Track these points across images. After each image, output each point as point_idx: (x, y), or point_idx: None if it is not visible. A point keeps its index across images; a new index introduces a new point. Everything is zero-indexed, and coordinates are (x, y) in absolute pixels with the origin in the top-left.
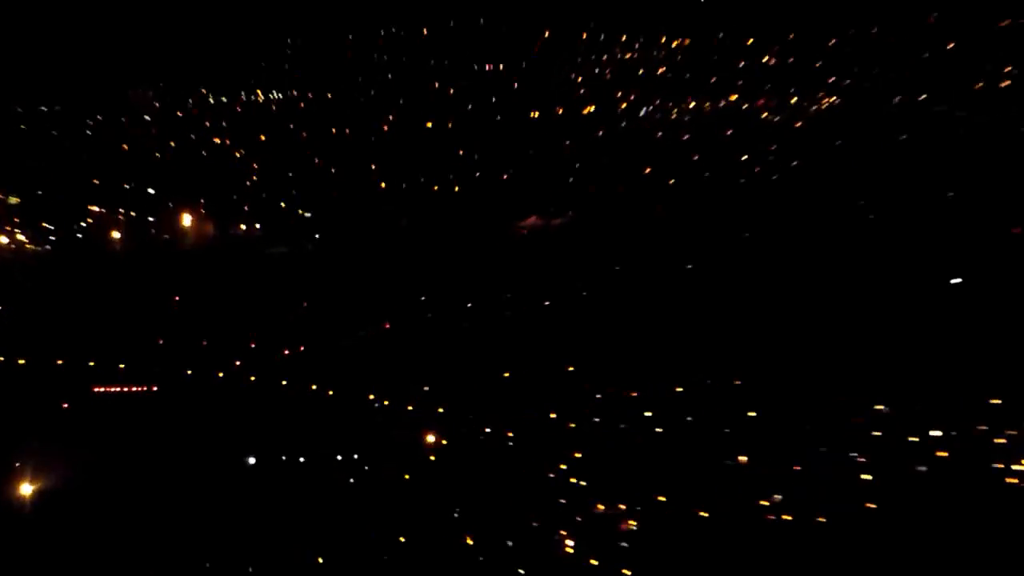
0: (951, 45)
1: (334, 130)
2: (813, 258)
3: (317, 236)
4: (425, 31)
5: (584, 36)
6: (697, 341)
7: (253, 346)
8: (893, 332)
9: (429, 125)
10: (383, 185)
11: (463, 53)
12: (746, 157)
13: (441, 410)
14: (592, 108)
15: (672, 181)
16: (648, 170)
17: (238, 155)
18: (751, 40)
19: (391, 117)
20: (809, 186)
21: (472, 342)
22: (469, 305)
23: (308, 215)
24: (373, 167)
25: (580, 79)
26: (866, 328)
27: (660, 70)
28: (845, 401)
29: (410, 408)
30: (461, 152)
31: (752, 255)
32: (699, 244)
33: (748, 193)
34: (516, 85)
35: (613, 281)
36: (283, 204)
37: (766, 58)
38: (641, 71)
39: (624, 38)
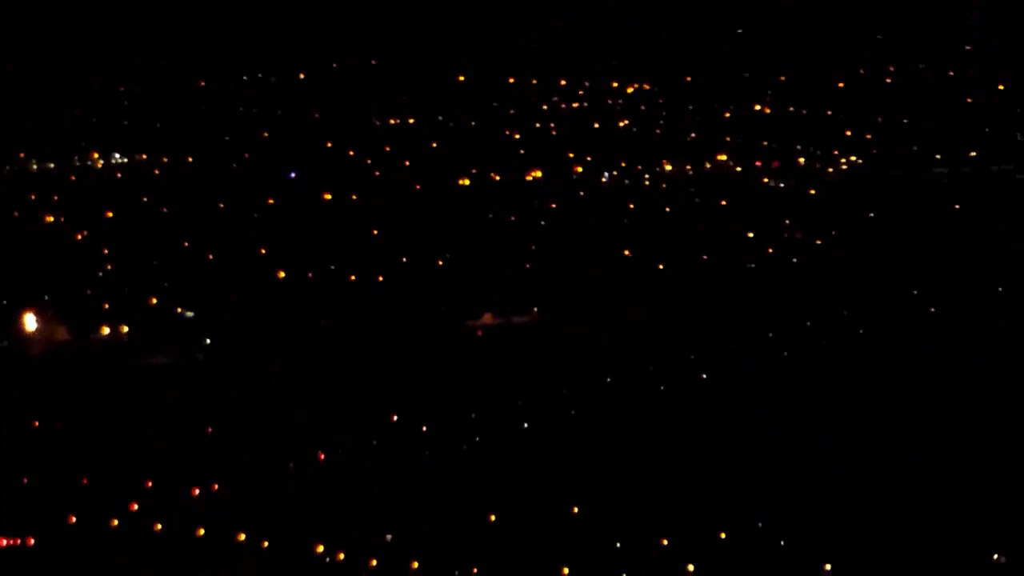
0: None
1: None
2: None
3: (208, 342)
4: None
5: (511, 80)
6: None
7: (149, 486)
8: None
9: (328, 197)
10: (281, 275)
11: (369, 109)
12: (751, 235)
13: (415, 566)
14: (538, 174)
15: (660, 266)
16: (627, 253)
17: (80, 237)
18: (742, 77)
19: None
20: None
21: (439, 475)
22: (424, 429)
23: (191, 315)
24: (263, 251)
25: (518, 135)
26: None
27: (622, 123)
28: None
29: (373, 563)
30: (375, 232)
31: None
32: (686, 355)
33: (746, 289)
34: (435, 144)
35: (590, 391)
36: (154, 299)
37: (758, 106)
38: (595, 125)
39: (564, 83)
